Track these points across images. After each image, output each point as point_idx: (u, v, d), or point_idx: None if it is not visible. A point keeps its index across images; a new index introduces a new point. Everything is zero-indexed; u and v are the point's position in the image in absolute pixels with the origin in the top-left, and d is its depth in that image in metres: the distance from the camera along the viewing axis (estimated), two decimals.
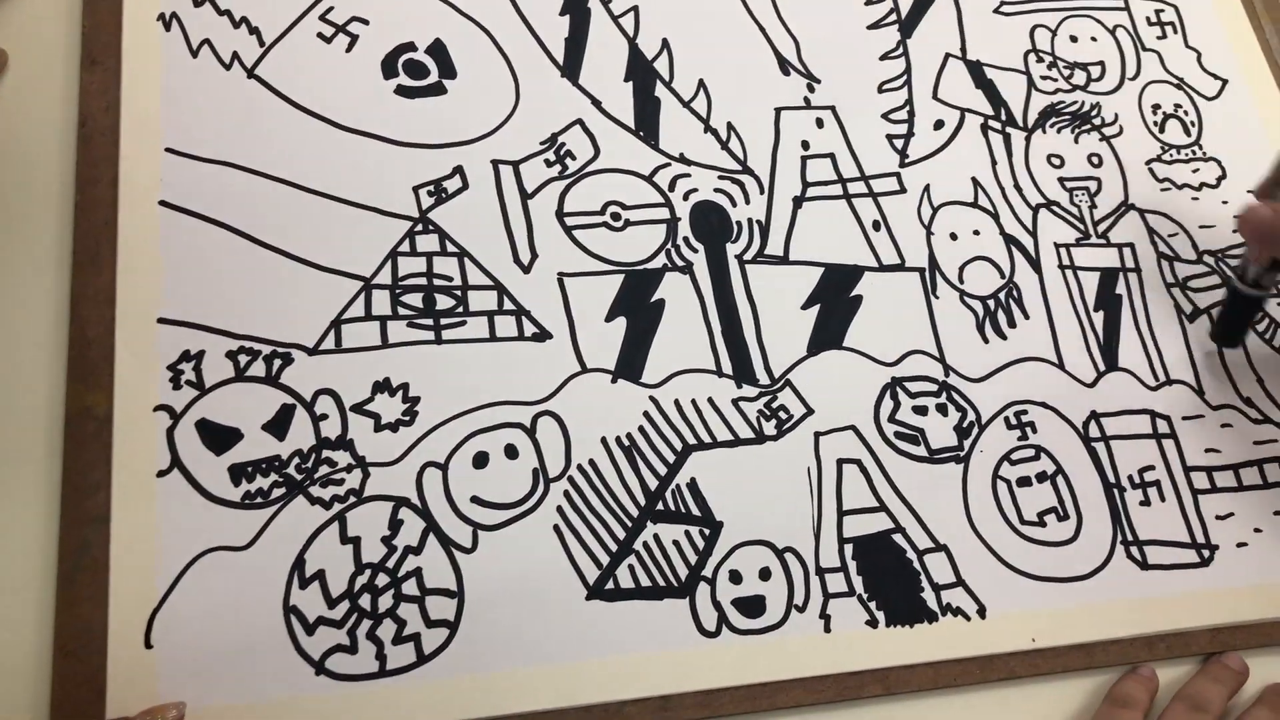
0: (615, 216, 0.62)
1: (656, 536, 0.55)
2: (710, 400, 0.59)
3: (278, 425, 0.54)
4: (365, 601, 0.52)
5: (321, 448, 0.54)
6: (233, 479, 0.53)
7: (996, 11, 0.73)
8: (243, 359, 0.55)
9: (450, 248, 0.59)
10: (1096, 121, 0.71)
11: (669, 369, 0.59)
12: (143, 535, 0.51)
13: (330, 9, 0.64)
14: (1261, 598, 0.59)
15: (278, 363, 0.55)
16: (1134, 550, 0.59)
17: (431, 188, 0.61)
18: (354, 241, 0.58)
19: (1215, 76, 0.74)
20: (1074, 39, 0.74)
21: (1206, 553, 0.60)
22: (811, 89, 0.68)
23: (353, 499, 0.54)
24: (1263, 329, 0.66)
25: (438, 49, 0.64)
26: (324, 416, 0.55)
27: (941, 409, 0.61)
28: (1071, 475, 0.61)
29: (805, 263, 0.63)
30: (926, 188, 0.67)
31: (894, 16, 0.71)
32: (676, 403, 0.58)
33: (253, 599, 0.51)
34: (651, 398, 0.58)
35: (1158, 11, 0.76)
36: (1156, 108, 0.72)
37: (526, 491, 0.55)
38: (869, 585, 0.56)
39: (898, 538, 0.58)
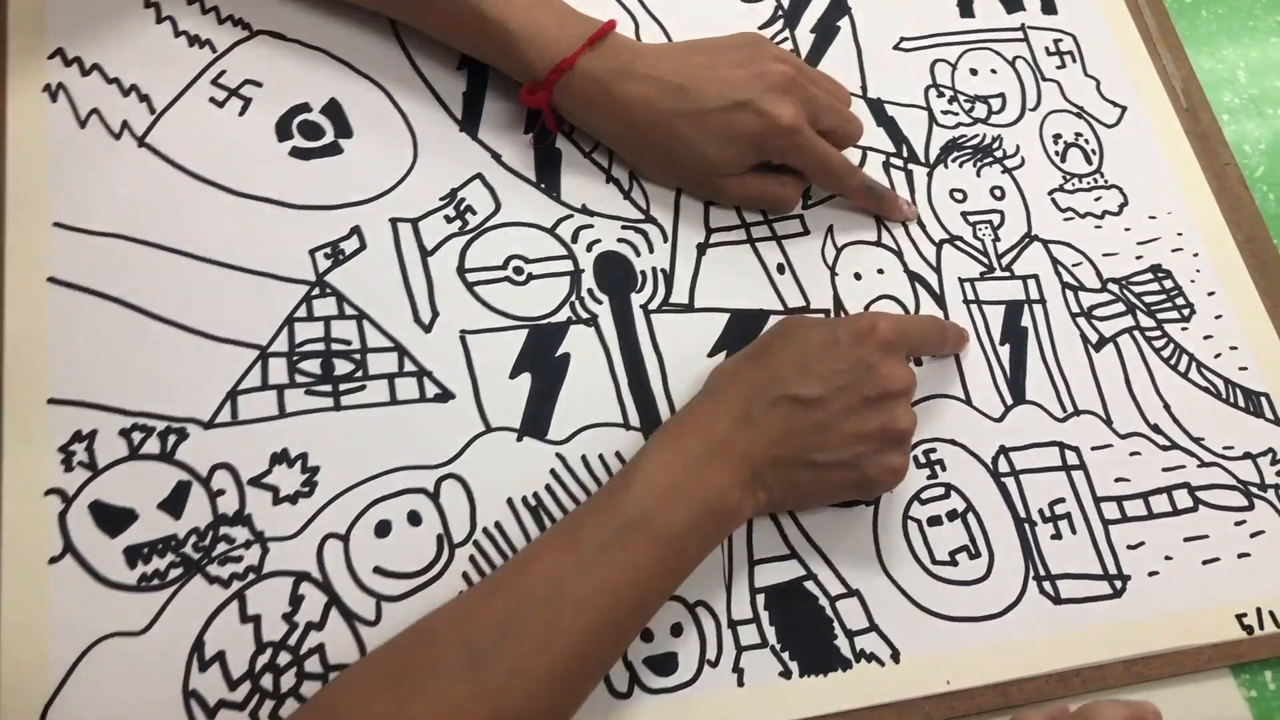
0: (518, 271, 0.62)
1: None
2: (618, 454, 0.59)
3: (173, 503, 0.53)
4: (267, 681, 0.51)
5: (219, 524, 0.53)
6: (128, 561, 0.52)
7: (896, 48, 0.74)
8: (136, 436, 0.54)
9: (349, 310, 0.59)
10: (998, 154, 0.71)
11: (576, 424, 0.59)
12: (34, 625, 0.50)
13: (223, 73, 0.63)
14: (1175, 626, 0.60)
15: (173, 439, 0.54)
16: (1046, 585, 0.59)
17: (328, 250, 0.60)
18: (249, 309, 0.58)
19: (1114, 104, 0.75)
20: (974, 72, 0.74)
21: (1119, 583, 0.60)
22: None
23: (252, 576, 0.53)
24: (1168, 355, 0.67)
25: (333, 109, 0.64)
26: (221, 492, 0.54)
27: None
28: (982, 512, 0.61)
29: (710, 309, 0.63)
30: (830, 228, 0.67)
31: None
32: (584, 459, 0.58)
33: (151, 685, 0.50)
34: (558, 455, 0.58)
35: (1056, 41, 0.77)
36: (1057, 137, 0.73)
37: (431, 559, 0.54)
38: (782, 635, 0.56)
39: (810, 585, 0.57)
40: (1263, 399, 0.67)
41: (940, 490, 0.61)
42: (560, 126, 0.65)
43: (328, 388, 0.57)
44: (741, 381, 0.55)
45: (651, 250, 0.64)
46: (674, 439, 0.53)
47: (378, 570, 0.54)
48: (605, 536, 0.49)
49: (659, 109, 0.61)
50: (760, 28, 0.72)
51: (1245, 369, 0.68)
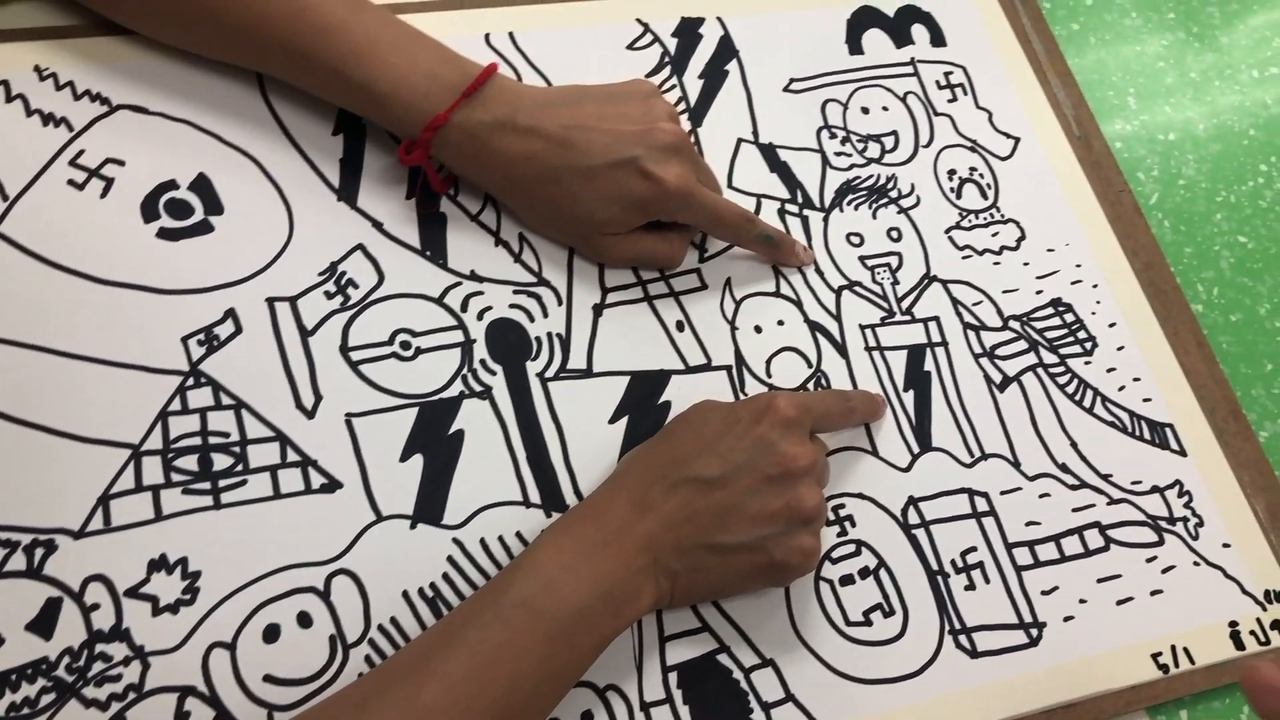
0: (405, 345, 0.59)
1: None
2: (519, 535, 0.56)
3: (43, 623, 0.50)
4: None
5: (94, 642, 0.50)
6: None
7: (786, 89, 0.73)
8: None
9: (225, 400, 0.56)
10: (893, 194, 0.71)
11: (473, 505, 0.57)
12: None
13: (81, 152, 0.60)
14: (1092, 670, 0.59)
15: (40, 552, 0.51)
16: (962, 639, 0.58)
17: (202, 336, 0.57)
18: (119, 406, 0.54)
19: (1007, 135, 0.75)
20: (865, 110, 0.73)
21: (1035, 631, 0.59)
22: None
23: (133, 695, 0.50)
24: (1072, 390, 0.67)
25: (202, 184, 0.61)
26: (95, 606, 0.51)
27: None
28: (894, 567, 0.60)
29: (610, 373, 0.62)
30: (728, 281, 0.65)
31: (683, 105, 0.70)
32: (483, 542, 0.56)
33: None
34: (455, 540, 0.56)
35: (947, 74, 0.76)
36: (952, 173, 0.72)
37: (324, 662, 0.52)
38: (696, 714, 0.54)
39: (723, 658, 0.56)
40: (1167, 430, 0.67)
41: (851, 548, 0.60)
42: (447, 185, 0.63)
43: (206, 485, 0.54)
44: (642, 467, 0.53)
45: (546, 315, 0.62)
46: (568, 526, 0.51)
47: (268, 679, 0.51)
48: (483, 616, 0.47)
49: (542, 164, 0.59)
50: (647, 75, 0.70)
51: (1149, 400, 0.67)
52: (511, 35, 0.69)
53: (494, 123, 0.58)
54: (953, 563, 0.60)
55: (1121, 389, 0.67)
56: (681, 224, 0.62)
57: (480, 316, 0.61)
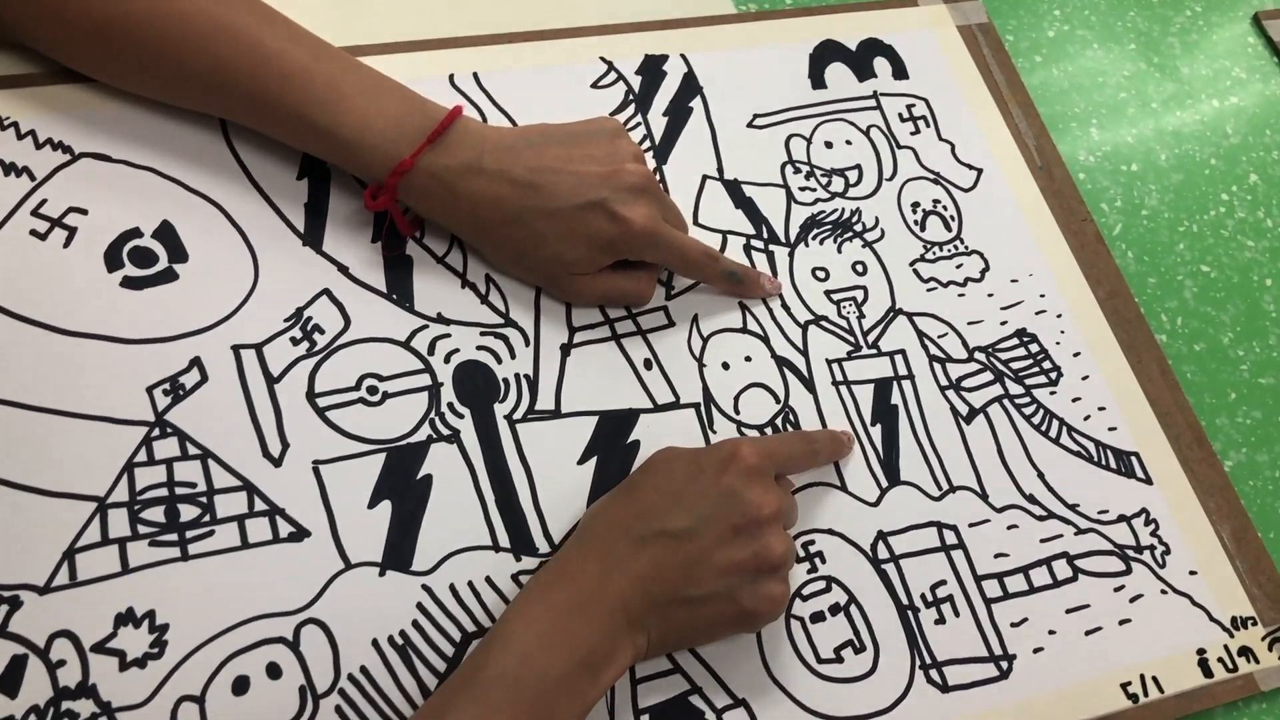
0: (372, 390, 0.59)
1: None
2: (488, 579, 0.56)
3: (8, 681, 0.50)
4: None
5: (60, 699, 0.50)
6: None
7: (750, 125, 0.73)
8: None
9: (192, 450, 0.56)
10: (858, 228, 0.71)
11: (442, 551, 0.57)
12: None
13: (43, 202, 0.60)
14: (1062, 702, 0.59)
15: (4, 609, 0.51)
16: (934, 673, 0.59)
17: (167, 386, 0.57)
18: (83, 458, 0.54)
19: (970, 167, 0.76)
20: (829, 144, 0.74)
21: (1005, 664, 0.60)
22: None
23: None
24: (1038, 421, 0.67)
25: (166, 231, 0.61)
26: (61, 663, 0.50)
27: None
28: (865, 603, 0.60)
29: (578, 413, 0.62)
30: (695, 318, 0.66)
31: (648, 143, 0.70)
32: (452, 588, 0.56)
33: None
34: (425, 586, 0.55)
35: (909, 106, 0.77)
36: (916, 205, 0.73)
37: (294, 713, 0.52)
38: None
39: (695, 699, 0.56)
40: (1133, 458, 0.67)
41: (821, 584, 0.60)
42: (413, 228, 0.63)
43: (173, 536, 0.54)
44: (608, 523, 0.53)
45: (513, 356, 0.62)
46: (539, 593, 0.51)
47: None
48: (461, 697, 0.47)
49: (509, 207, 0.59)
50: (612, 112, 0.71)
51: (1114, 429, 0.68)
52: (476, 75, 0.69)
53: (460, 167, 0.58)
54: (923, 597, 0.61)
55: (1087, 418, 0.68)
56: (649, 262, 0.63)
57: (448, 359, 0.61)
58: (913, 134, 0.76)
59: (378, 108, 0.58)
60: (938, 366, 0.68)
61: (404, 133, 0.58)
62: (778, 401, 0.64)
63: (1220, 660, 0.62)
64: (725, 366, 0.65)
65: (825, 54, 0.78)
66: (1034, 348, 0.70)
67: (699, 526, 0.52)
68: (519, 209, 0.59)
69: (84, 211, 0.60)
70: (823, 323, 0.67)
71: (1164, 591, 0.64)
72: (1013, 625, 0.61)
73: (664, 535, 0.52)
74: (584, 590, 0.51)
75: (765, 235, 0.69)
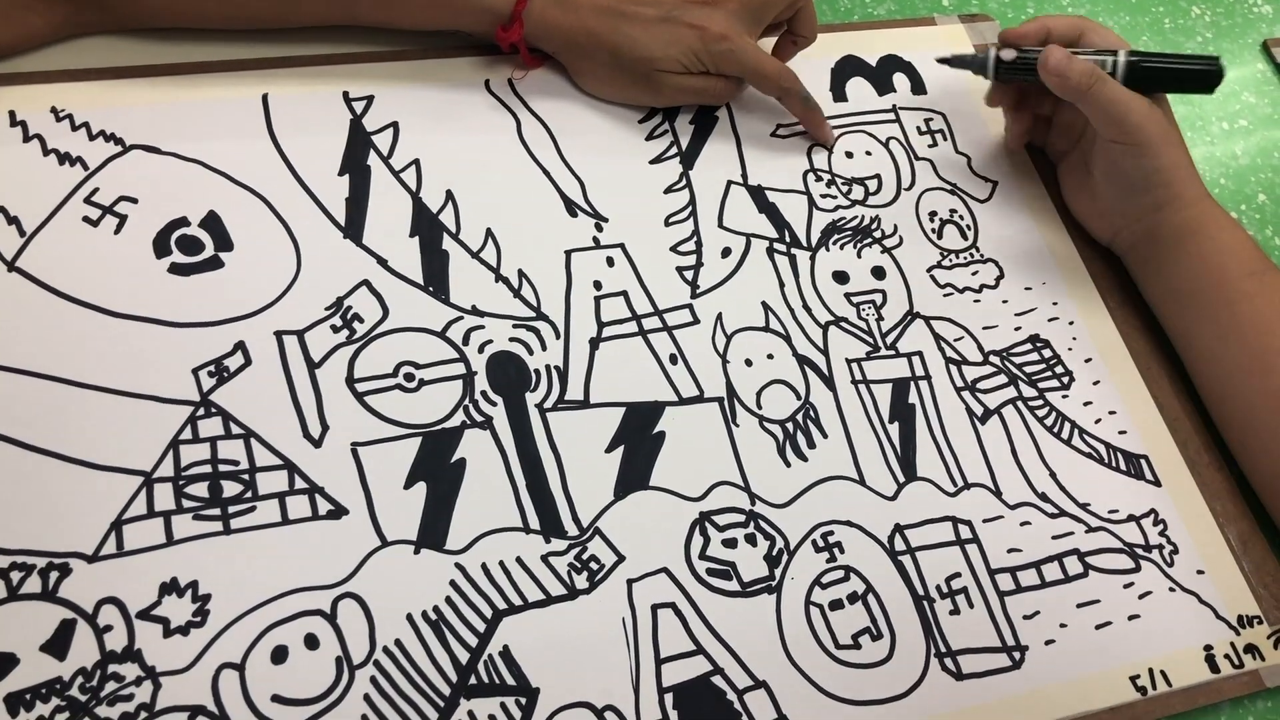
0: (409, 377, 0.61)
1: (471, 714, 0.54)
2: (519, 559, 0.58)
3: (58, 644, 0.51)
4: None
5: (107, 662, 0.51)
6: (9, 710, 0.50)
7: (774, 135, 0.75)
8: (15, 576, 0.52)
9: (235, 430, 0.58)
10: (877, 234, 0.73)
11: (474, 532, 0.58)
12: None
13: (96, 190, 0.62)
14: (1073, 693, 0.61)
15: (55, 575, 0.53)
16: (948, 662, 0.60)
17: (212, 368, 0.59)
18: (132, 434, 0.56)
19: (985, 179, 0.78)
20: (849, 155, 0.76)
21: (1018, 655, 0.61)
22: (600, 228, 0.69)
23: (144, 715, 0.51)
24: (1051, 423, 0.69)
25: (212, 221, 0.63)
26: (108, 628, 0.52)
27: (750, 539, 0.61)
28: (881, 592, 0.62)
29: (606, 404, 0.64)
30: (719, 316, 0.68)
31: (675, 149, 0.73)
32: (484, 566, 0.57)
33: None
34: (458, 564, 0.57)
35: (927, 120, 0.79)
36: (933, 215, 0.75)
37: (330, 683, 0.53)
38: None
39: (717, 680, 0.57)
40: (1142, 461, 0.69)
41: (840, 573, 0.62)
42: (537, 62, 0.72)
43: (216, 511, 0.56)
44: None
45: (544, 348, 0.64)
46: None
47: (276, 699, 0.52)
48: None
49: (612, 17, 0.69)
50: (640, 122, 0.73)
51: (1124, 432, 0.70)
52: (511, 82, 0.72)
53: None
54: (938, 588, 0.62)
55: (1098, 421, 0.70)
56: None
57: (481, 349, 0.63)
58: (930, 146, 0.78)
59: None
60: (954, 368, 0.70)
61: None
62: (798, 398, 0.66)
63: (1227, 657, 0.64)
64: (748, 363, 0.67)
65: (846, 69, 0.80)
66: (1047, 353, 0.72)
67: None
68: (619, 15, 0.69)
69: (134, 200, 0.62)
70: (843, 324, 0.69)
71: (1172, 589, 0.65)
72: (1025, 618, 0.63)
73: None
74: None
75: (788, 239, 0.72)
